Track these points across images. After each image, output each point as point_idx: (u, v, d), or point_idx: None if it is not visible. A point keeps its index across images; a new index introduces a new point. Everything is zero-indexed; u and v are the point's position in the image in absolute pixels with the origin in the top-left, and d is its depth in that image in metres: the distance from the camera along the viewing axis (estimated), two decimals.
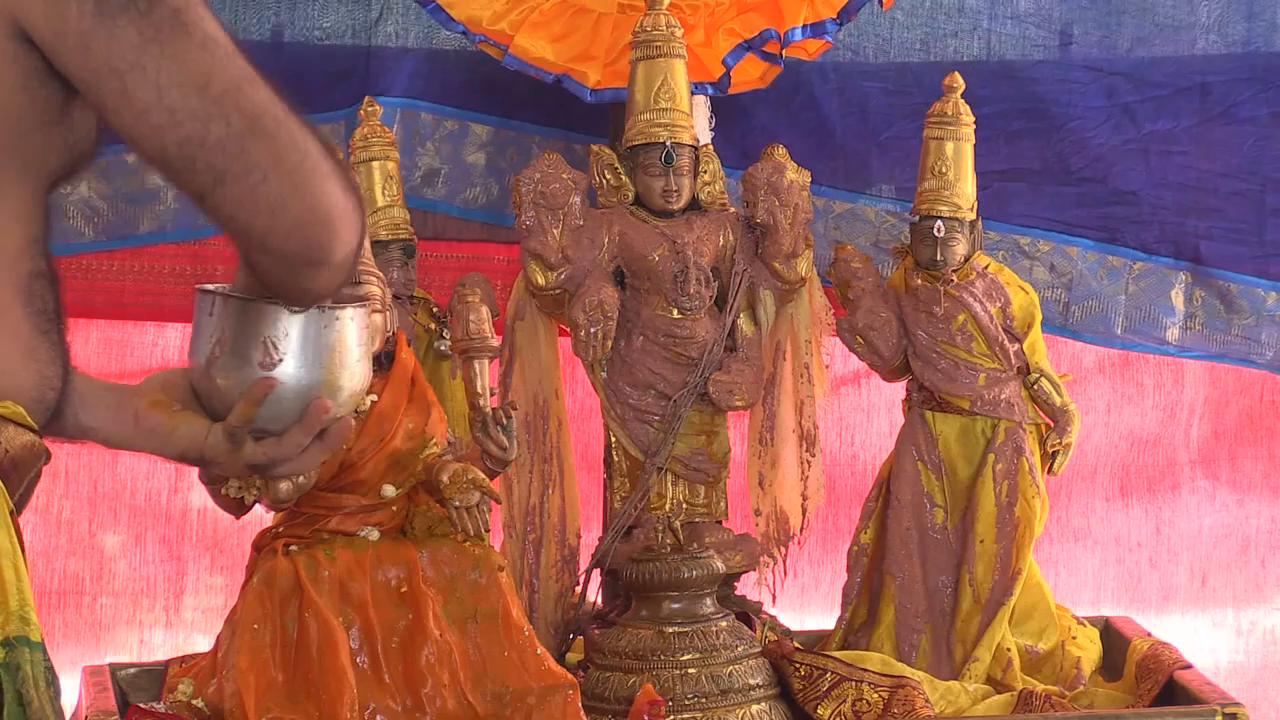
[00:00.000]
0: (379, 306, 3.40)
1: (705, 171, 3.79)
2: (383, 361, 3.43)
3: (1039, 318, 3.86)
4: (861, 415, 4.45)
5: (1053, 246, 3.99)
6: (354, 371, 1.88)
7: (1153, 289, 4.22)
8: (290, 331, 1.84)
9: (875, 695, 3.50)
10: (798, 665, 3.56)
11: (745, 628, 3.63)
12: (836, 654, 3.64)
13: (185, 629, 4.27)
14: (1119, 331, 4.23)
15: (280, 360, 1.84)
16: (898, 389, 3.96)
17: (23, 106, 1.76)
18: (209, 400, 1.89)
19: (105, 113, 1.73)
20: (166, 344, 4.23)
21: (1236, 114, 4.21)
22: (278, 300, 1.84)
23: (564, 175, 3.70)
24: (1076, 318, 4.10)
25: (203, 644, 3.83)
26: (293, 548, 3.33)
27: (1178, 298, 4.23)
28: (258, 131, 1.71)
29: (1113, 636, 3.90)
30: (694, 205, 3.78)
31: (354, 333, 1.88)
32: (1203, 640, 4.34)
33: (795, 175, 3.76)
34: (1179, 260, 4.21)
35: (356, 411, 3.34)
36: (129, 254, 4.11)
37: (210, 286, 1.88)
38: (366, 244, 3.48)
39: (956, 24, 4.18)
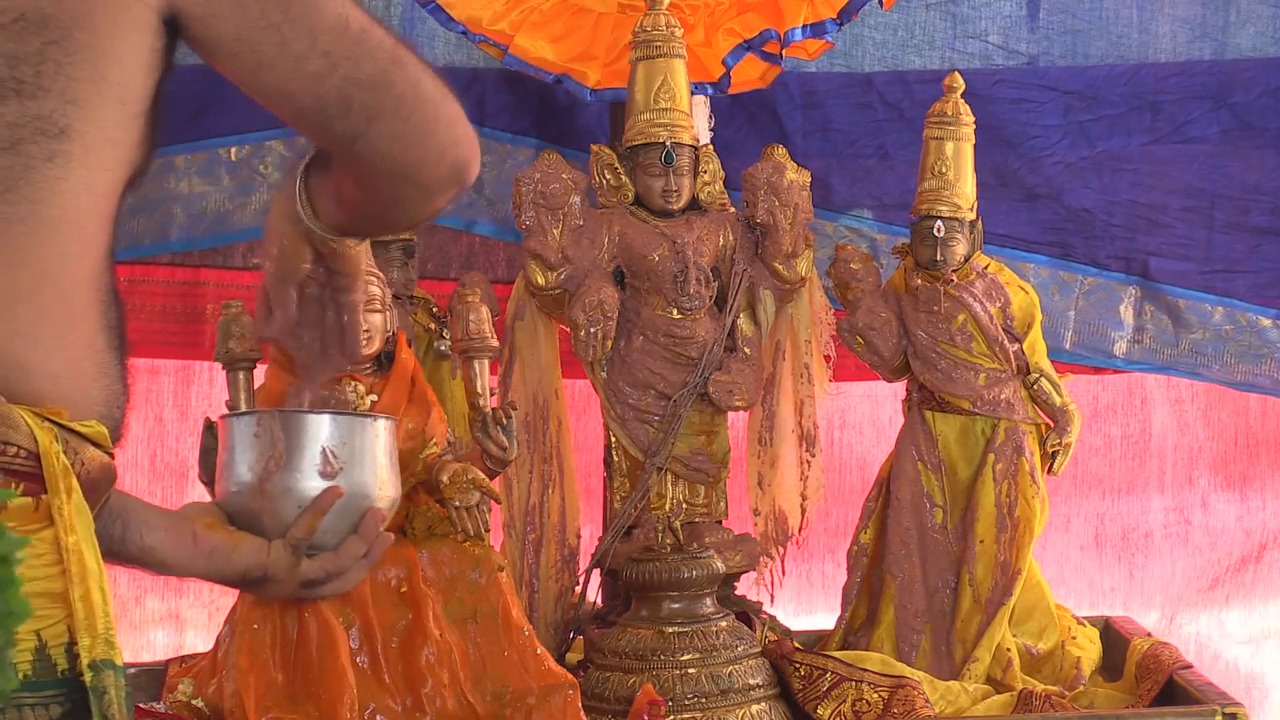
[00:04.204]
0: (379, 307, 3.41)
1: (705, 171, 3.79)
2: (383, 361, 3.43)
3: (1039, 317, 3.86)
4: (861, 414, 4.45)
5: (1008, 262, 4.02)
6: (391, 480, 1.91)
7: (1102, 304, 4.26)
8: (345, 439, 1.85)
9: (875, 695, 3.50)
10: (798, 665, 3.56)
11: (745, 628, 3.63)
12: (836, 654, 3.64)
13: (185, 629, 4.27)
14: (1067, 345, 4.26)
15: (342, 468, 1.85)
16: (897, 388, 3.96)
17: (143, 88, 1.75)
18: (257, 520, 1.88)
19: (258, 72, 1.71)
20: (160, 388, 4.26)
21: (1187, 132, 4.26)
22: (319, 409, 1.86)
23: (564, 175, 3.70)
24: None
25: (203, 644, 3.83)
26: None
27: (1126, 312, 4.27)
28: (397, 62, 1.72)
29: (1113, 636, 3.90)
30: (694, 205, 3.78)
31: (388, 441, 1.90)
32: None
33: (795, 175, 3.76)
34: (1129, 275, 4.25)
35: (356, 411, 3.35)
36: (123, 289, 4.15)
37: (239, 413, 1.89)
38: (366, 244, 3.50)
39: (919, 41, 4.20)
